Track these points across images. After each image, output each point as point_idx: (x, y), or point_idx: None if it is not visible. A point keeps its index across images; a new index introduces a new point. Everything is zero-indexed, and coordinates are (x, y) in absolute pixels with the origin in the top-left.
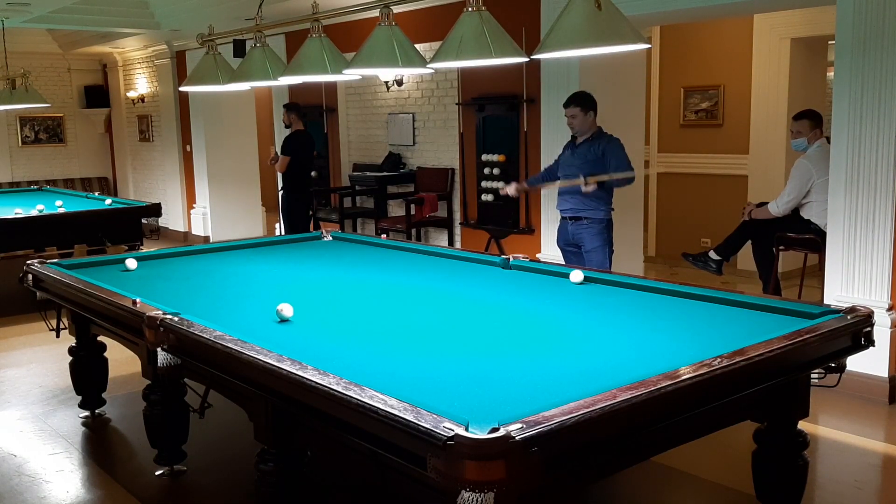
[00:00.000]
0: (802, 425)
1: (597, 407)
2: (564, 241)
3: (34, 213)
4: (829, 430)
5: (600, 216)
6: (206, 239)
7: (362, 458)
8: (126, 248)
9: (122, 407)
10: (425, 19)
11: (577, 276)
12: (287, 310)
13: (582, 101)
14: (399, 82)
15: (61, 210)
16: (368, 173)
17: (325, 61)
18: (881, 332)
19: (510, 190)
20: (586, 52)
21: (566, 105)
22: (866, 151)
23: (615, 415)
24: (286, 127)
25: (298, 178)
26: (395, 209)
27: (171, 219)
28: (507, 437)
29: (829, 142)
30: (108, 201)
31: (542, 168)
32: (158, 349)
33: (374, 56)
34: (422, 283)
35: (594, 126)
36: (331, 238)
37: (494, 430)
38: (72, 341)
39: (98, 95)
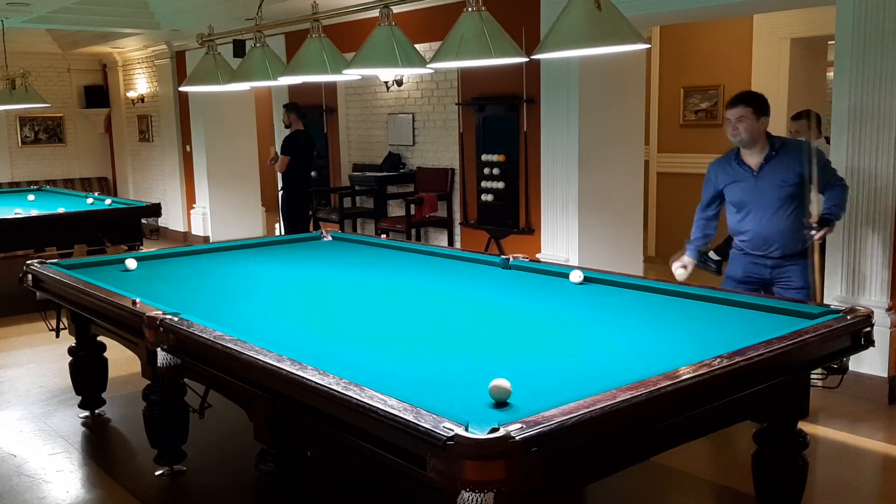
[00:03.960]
0: (802, 425)
1: (597, 407)
2: (751, 279)
3: (34, 212)
4: (829, 430)
5: (803, 247)
6: (206, 239)
7: (362, 458)
8: (126, 248)
9: (122, 407)
10: (425, 19)
11: (576, 276)
12: (504, 386)
13: (755, 101)
14: (399, 82)
15: (60, 210)
16: (368, 173)
17: (325, 61)
18: (881, 333)
19: (679, 272)
20: (586, 52)
21: (732, 104)
22: (866, 151)
23: (615, 415)
24: (286, 127)
25: (298, 178)
26: (395, 209)
27: (171, 219)
28: (507, 437)
29: (828, 142)
30: (108, 201)
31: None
32: (158, 349)
33: (374, 56)
34: (422, 283)
35: (763, 136)
36: (331, 238)
37: (494, 430)
38: (72, 341)
39: (98, 95)
